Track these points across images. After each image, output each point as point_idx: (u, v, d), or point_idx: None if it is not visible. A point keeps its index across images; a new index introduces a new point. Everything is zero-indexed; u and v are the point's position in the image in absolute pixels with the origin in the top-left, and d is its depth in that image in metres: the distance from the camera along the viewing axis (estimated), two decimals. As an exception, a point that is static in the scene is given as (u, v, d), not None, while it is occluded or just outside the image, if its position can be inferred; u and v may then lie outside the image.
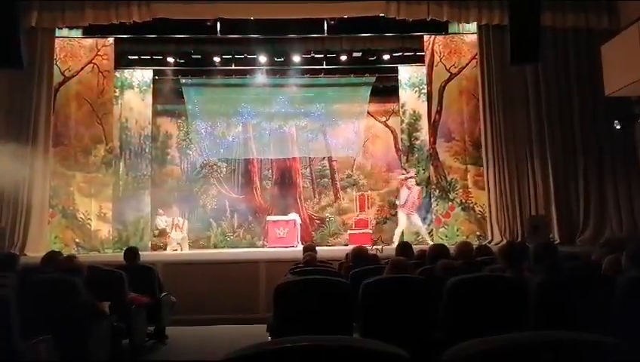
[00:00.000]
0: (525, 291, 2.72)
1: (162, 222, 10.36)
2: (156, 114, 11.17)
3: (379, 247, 7.25)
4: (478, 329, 1.49)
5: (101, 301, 4.02)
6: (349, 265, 4.65)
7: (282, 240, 10.00)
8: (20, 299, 3.21)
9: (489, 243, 8.78)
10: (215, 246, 10.88)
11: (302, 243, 9.28)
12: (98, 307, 3.93)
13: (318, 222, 11.35)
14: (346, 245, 10.26)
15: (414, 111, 10.78)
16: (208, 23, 9.62)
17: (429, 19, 9.22)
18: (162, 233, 10.37)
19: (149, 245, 10.38)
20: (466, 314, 2.79)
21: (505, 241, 8.79)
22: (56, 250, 6.48)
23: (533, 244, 3.13)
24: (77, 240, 9.62)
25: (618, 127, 8.97)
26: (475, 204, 9.89)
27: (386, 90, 11.37)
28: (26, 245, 8.83)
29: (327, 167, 11.56)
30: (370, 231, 10.41)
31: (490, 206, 9.43)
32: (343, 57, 10.63)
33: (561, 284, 2.73)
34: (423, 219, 10.46)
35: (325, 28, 9.91)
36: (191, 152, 11.43)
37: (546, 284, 2.71)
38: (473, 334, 1.24)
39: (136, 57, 10.63)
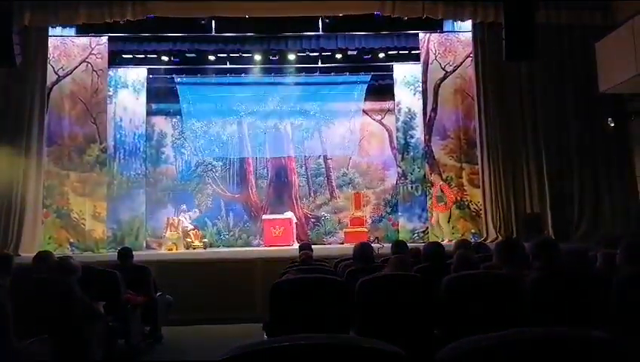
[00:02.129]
0: (521, 288, 2.73)
1: (187, 220, 10.27)
2: (150, 113, 11.12)
3: (380, 245, 7.15)
4: (475, 326, 1.49)
5: (96, 301, 4.00)
6: (348, 262, 4.64)
7: (278, 238, 10.00)
8: (15, 299, 3.19)
9: (484, 240, 8.80)
10: (211, 246, 10.85)
11: (298, 242, 9.28)
12: (93, 307, 3.91)
13: (313, 220, 11.34)
14: (342, 243, 10.29)
15: (409, 110, 10.80)
16: (203, 22, 9.59)
17: (424, 17, 9.23)
18: (186, 234, 10.12)
19: (144, 245, 10.36)
20: (462, 311, 2.79)
21: (501, 238, 8.83)
22: (50, 250, 6.44)
23: (532, 240, 3.13)
24: (71, 240, 9.57)
25: (612, 124, 9.02)
26: (470, 201, 9.93)
27: (381, 89, 11.37)
28: (19, 245, 8.77)
29: (323, 166, 11.55)
30: (366, 230, 10.42)
31: (485, 203, 9.46)
32: (338, 55, 10.64)
33: (556, 280, 2.74)
34: (419, 218, 10.52)
35: (320, 26, 9.90)
36: (186, 151, 11.39)
37: (542, 281, 2.72)
38: (470, 331, 1.24)
39: (130, 56, 10.60)
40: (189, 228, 10.21)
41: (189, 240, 10.10)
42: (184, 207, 10.55)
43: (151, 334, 5.62)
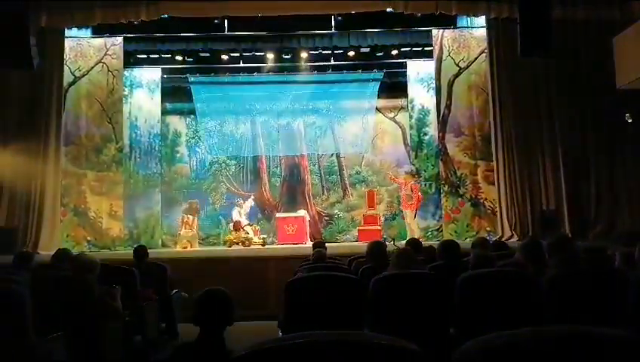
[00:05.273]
0: (538, 286, 2.70)
1: (237, 213, 10.19)
2: (165, 112, 11.23)
3: (400, 243, 7.04)
4: (492, 325, 1.48)
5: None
6: (361, 260, 4.63)
7: (291, 236, 10.01)
8: (34, 296, 3.24)
9: (499, 238, 8.72)
10: (224, 244, 10.91)
11: (311, 240, 9.29)
12: (112, 305, 3.96)
13: (326, 218, 11.34)
14: (356, 241, 10.27)
15: (423, 107, 10.73)
16: (216, 21, 9.63)
17: (437, 14, 9.15)
18: (236, 226, 9.96)
19: (160, 243, 10.46)
20: (478, 310, 2.77)
21: (517, 236, 8.76)
22: (68, 248, 6.55)
23: (548, 239, 3.09)
24: (88, 238, 9.71)
25: (630, 120, 8.87)
26: (485, 199, 9.83)
27: (394, 86, 11.31)
28: (38, 244, 8.92)
29: (336, 164, 11.54)
30: (379, 228, 10.38)
31: (500, 201, 9.36)
32: (351, 53, 10.60)
33: (574, 278, 2.71)
34: (432, 215, 10.47)
35: (333, 24, 9.88)
36: (200, 150, 11.48)
37: (559, 279, 2.69)
38: (486, 330, 1.23)
39: (145, 56, 10.70)
40: (244, 224, 10.10)
41: (249, 235, 9.83)
42: (239, 200, 10.52)
43: (167, 330, 5.68)
